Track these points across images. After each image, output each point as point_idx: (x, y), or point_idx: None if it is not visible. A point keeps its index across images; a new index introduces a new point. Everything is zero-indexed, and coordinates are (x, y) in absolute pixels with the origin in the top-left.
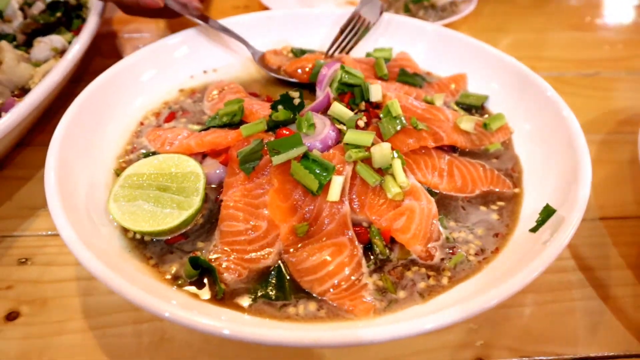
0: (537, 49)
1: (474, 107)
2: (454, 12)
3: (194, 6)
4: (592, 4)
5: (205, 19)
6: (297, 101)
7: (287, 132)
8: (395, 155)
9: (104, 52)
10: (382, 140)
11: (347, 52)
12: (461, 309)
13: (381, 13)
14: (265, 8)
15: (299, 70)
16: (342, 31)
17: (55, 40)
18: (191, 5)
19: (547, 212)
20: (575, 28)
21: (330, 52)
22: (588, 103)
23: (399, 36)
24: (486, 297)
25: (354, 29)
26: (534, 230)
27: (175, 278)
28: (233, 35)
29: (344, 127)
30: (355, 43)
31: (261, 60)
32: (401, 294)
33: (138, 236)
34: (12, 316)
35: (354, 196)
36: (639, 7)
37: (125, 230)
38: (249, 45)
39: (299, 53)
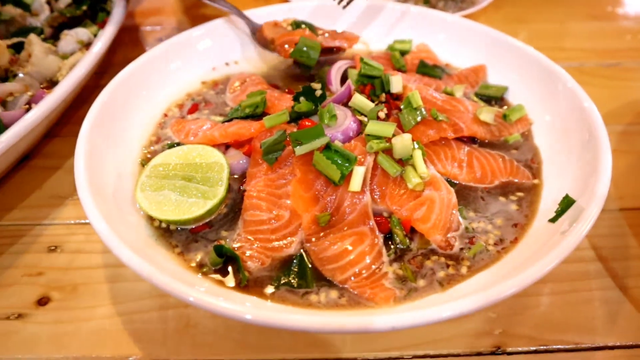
0: (557, 40)
1: (494, 98)
2: (473, 3)
3: None
4: None
5: None
6: (318, 93)
7: (309, 124)
8: (416, 146)
9: (127, 45)
10: (403, 131)
11: None
12: (479, 297)
13: None
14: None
15: (286, 46)
16: None
17: (81, 33)
18: None
19: (567, 203)
20: (597, 18)
21: None
22: (608, 94)
23: (418, 28)
24: (504, 286)
25: None
26: (553, 220)
27: (200, 266)
28: (227, 6)
29: (365, 119)
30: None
31: (259, 34)
32: (421, 282)
33: (164, 225)
34: (43, 301)
35: (374, 186)
36: None
37: (151, 219)
38: (246, 17)
39: (298, 25)
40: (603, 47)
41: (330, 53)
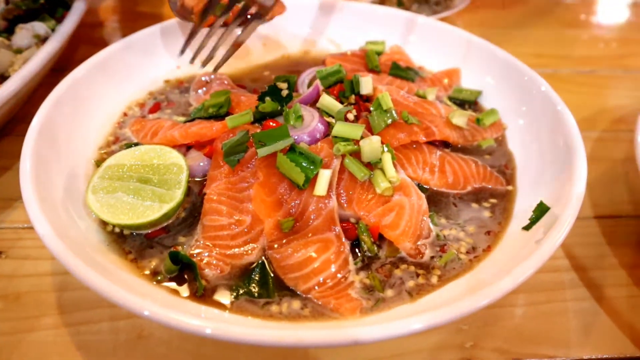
0: (532, 46)
1: (468, 102)
2: (448, 7)
3: None
4: (587, 2)
5: None
6: (285, 92)
7: (274, 124)
8: (385, 149)
9: (90, 42)
10: (372, 134)
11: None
12: (451, 309)
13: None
14: None
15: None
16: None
17: (38, 27)
18: None
19: (541, 210)
20: (570, 26)
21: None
22: (583, 100)
23: (392, 29)
24: (476, 297)
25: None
26: (527, 228)
27: (155, 273)
28: None
29: (333, 120)
30: (240, 44)
31: (180, 2)
32: (389, 292)
33: (117, 230)
34: None
35: (341, 191)
36: (633, 5)
37: (104, 224)
38: None
39: None
40: (577, 54)
41: (246, 19)
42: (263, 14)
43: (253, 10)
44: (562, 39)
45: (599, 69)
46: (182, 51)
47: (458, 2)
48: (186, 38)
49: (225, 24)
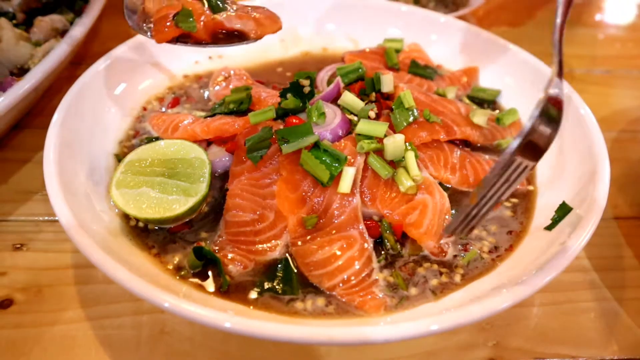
0: (547, 45)
1: (487, 101)
2: (464, 5)
3: None
4: (604, 2)
5: None
6: (307, 89)
7: (297, 121)
8: (409, 147)
9: (107, 34)
10: (394, 132)
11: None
12: (476, 309)
13: (549, 144)
14: None
15: (166, 25)
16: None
17: (56, 20)
18: None
19: (564, 211)
20: (586, 25)
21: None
22: (599, 101)
23: (410, 27)
24: (501, 298)
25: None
26: (549, 228)
27: (178, 269)
28: None
29: (355, 118)
30: (498, 205)
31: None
32: (413, 290)
33: (140, 224)
34: (5, 304)
35: (364, 189)
36: None
37: (126, 218)
38: None
39: None
40: (593, 54)
41: (236, 39)
42: (246, 38)
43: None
44: (578, 39)
45: (614, 69)
46: None
47: (473, 1)
48: None
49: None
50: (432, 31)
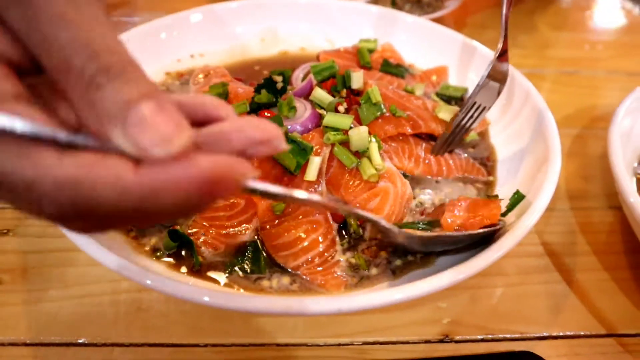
0: (520, 47)
1: (454, 98)
2: (440, 8)
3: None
4: (575, 6)
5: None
6: (280, 85)
7: (269, 114)
8: (373, 139)
9: None
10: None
11: (458, 143)
12: (424, 284)
13: (498, 95)
14: None
15: None
16: (452, 123)
17: None
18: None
19: (517, 198)
20: (558, 28)
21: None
22: (566, 100)
23: (384, 28)
24: (448, 274)
25: (468, 116)
26: (503, 215)
27: (154, 250)
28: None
29: (325, 112)
30: (467, 133)
31: None
32: (373, 271)
33: None
34: None
35: (330, 177)
36: (617, 10)
37: None
38: None
39: None
40: (563, 55)
41: None
42: None
43: None
44: (549, 41)
45: (582, 69)
46: None
47: (449, 4)
48: None
49: None
50: (405, 32)
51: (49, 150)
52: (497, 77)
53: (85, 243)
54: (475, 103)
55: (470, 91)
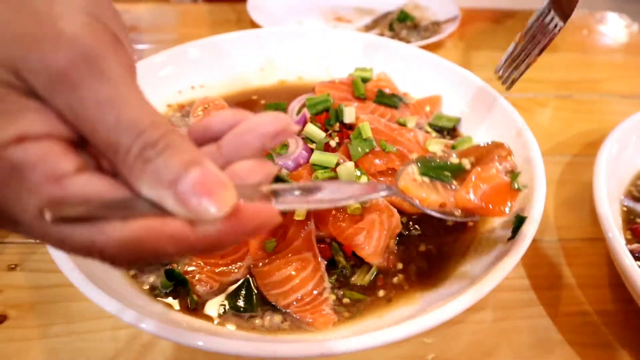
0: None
1: (446, 128)
2: (436, 32)
3: (269, 176)
4: (569, 28)
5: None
6: None
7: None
8: (358, 173)
9: None
10: (352, 160)
11: (528, 66)
12: (398, 329)
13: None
14: (256, 24)
15: None
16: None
17: None
18: (266, 179)
19: (519, 221)
20: (552, 50)
21: (500, 68)
22: (560, 125)
23: (379, 56)
24: (431, 316)
25: (536, 35)
26: (511, 238)
27: (153, 288)
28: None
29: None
30: (540, 53)
31: None
32: (360, 305)
33: None
34: (0, 319)
35: (318, 214)
36: (612, 32)
37: None
38: None
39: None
40: (556, 78)
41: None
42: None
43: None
44: (543, 64)
45: (576, 93)
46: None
47: (445, 28)
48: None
49: None
50: (400, 61)
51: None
52: None
53: (87, 289)
54: (550, 12)
55: (462, 121)
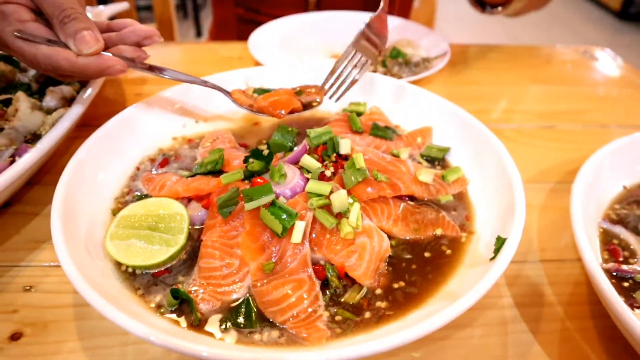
0: (501, 102)
1: (437, 159)
2: (427, 68)
3: (142, 59)
4: (555, 62)
5: (155, 69)
6: (265, 152)
7: (261, 181)
8: (351, 200)
9: (108, 98)
10: (345, 189)
11: (343, 93)
12: (379, 342)
13: (379, 52)
14: (258, 62)
15: (282, 111)
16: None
17: (65, 90)
18: (139, 60)
19: (500, 242)
20: (539, 82)
21: (328, 85)
22: (543, 154)
23: (372, 92)
24: (412, 330)
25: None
26: (493, 258)
27: (159, 306)
28: (198, 82)
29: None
30: (352, 84)
31: (233, 98)
32: (351, 323)
33: (130, 270)
34: (16, 336)
35: (314, 237)
36: (595, 66)
37: (118, 264)
38: (219, 88)
39: (260, 92)
40: (541, 110)
41: (306, 109)
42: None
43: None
44: (529, 95)
45: (559, 123)
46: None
47: (436, 64)
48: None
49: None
50: (392, 95)
51: (43, 44)
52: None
53: (95, 300)
54: (357, 52)
55: (451, 150)
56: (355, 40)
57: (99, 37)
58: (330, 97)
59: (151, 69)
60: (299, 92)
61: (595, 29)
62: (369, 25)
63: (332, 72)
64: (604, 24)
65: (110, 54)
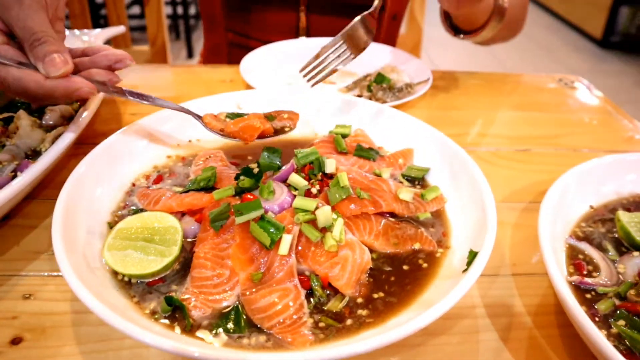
0: (480, 126)
1: (417, 178)
2: (410, 93)
3: (113, 82)
4: (532, 90)
5: (127, 93)
6: (255, 170)
7: (251, 197)
8: (335, 216)
9: (105, 117)
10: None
11: (321, 79)
12: (360, 344)
13: (363, 49)
14: (249, 85)
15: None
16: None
17: (64, 109)
18: (110, 83)
19: (472, 255)
20: (516, 108)
21: (305, 72)
22: (518, 175)
23: (357, 115)
24: (387, 334)
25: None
26: (465, 270)
27: (153, 313)
28: (169, 107)
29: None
30: (331, 73)
31: (204, 123)
32: (334, 329)
33: (126, 279)
34: (16, 341)
35: (300, 249)
36: (569, 93)
37: (115, 274)
38: (189, 112)
39: (233, 116)
40: (517, 134)
41: (278, 134)
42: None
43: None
44: (506, 121)
45: (534, 147)
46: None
47: (418, 89)
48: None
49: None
50: (376, 118)
51: (14, 66)
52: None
53: (97, 307)
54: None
55: (431, 171)
56: (345, 32)
57: (69, 60)
58: (308, 81)
59: (123, 92)
60: (270, 117)
61: (577, 56)
62: (362, 21)
63: (316, 57)
64: (586, 51)
65: (79, 77)
